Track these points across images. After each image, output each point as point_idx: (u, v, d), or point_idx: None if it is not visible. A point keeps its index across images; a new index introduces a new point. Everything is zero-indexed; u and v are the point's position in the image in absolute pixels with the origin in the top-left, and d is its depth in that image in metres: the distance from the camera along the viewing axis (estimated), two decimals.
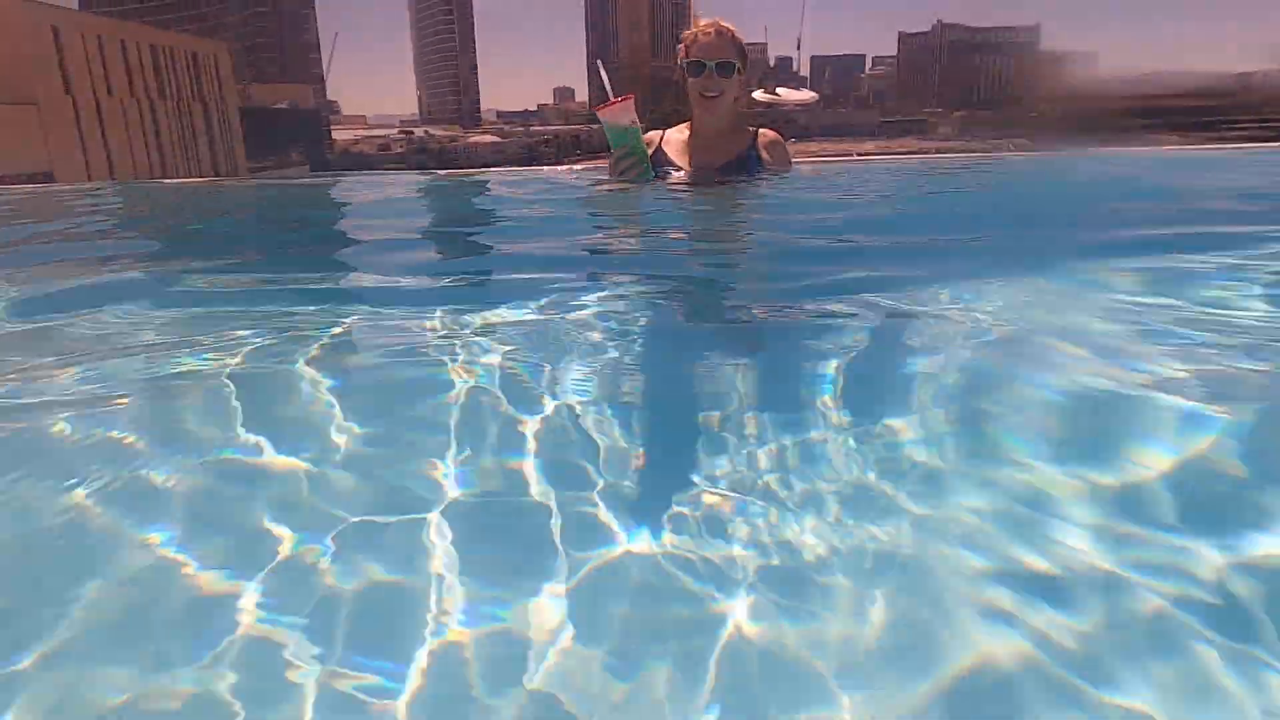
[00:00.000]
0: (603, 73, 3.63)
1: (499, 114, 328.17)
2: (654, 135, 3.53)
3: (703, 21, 3.36)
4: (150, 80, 71.39)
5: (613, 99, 3.36)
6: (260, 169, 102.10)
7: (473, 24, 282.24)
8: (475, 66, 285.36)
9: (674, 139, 3.52)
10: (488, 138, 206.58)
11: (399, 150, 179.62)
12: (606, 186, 3.77)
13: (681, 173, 3.43)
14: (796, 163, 3.84)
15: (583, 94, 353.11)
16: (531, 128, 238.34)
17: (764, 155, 3.47)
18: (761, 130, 3.51)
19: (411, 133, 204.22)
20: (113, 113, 65.67)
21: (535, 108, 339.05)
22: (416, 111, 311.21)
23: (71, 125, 60.62)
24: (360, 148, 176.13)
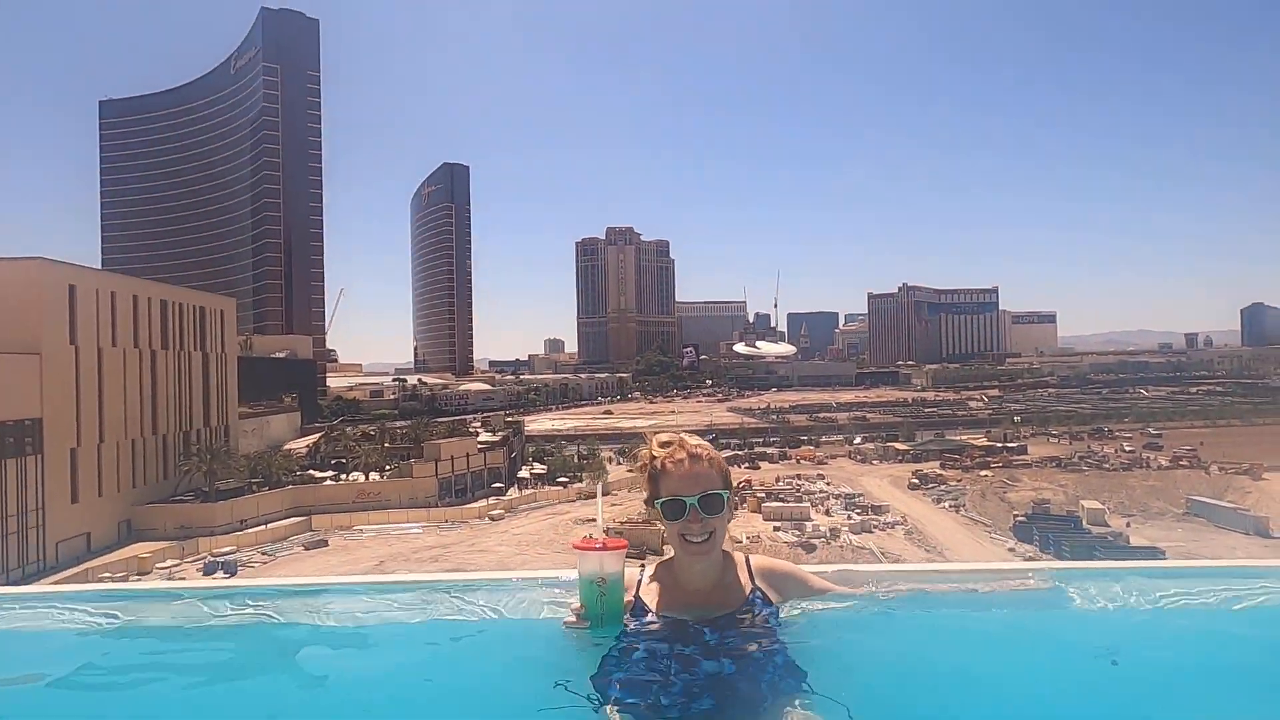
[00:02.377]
0: (598, 496, 2.98)
1: (491, 363, 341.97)
2: (632, 577, 2.76)
3: (661, 439, 2.74)
4: (155, 332, 74.28)
5: (594, 540, 2.67)
6: (253, 414, 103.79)
7: (470, 279, 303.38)
8: (471, 319, 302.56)
9: (656, 586, 2.74)
10: (478, 385, 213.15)
11: (392, 397, 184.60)
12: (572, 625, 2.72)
13: (663, 625, 2.62)
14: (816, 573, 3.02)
15: (572, 346, 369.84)
16: (521, 376, 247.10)
17: (770, 593, 2.74)
18: (752, 559, 2.82)
19: (405, 380, 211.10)
20: (113, 361, 67.44)
21: (526, 358, 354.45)
22: (411, 360, 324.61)
23: (70, 373, 61.89)
24: (354, 394, 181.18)
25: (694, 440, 2.73)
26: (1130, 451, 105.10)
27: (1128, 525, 66.24)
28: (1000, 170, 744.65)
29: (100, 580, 52.77)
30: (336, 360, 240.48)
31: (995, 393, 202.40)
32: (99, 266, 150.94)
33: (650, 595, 2.70)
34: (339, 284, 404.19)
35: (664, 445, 2.72)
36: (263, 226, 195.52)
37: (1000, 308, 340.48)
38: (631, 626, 2.61)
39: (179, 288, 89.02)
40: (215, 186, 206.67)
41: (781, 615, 2.69)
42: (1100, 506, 69.74)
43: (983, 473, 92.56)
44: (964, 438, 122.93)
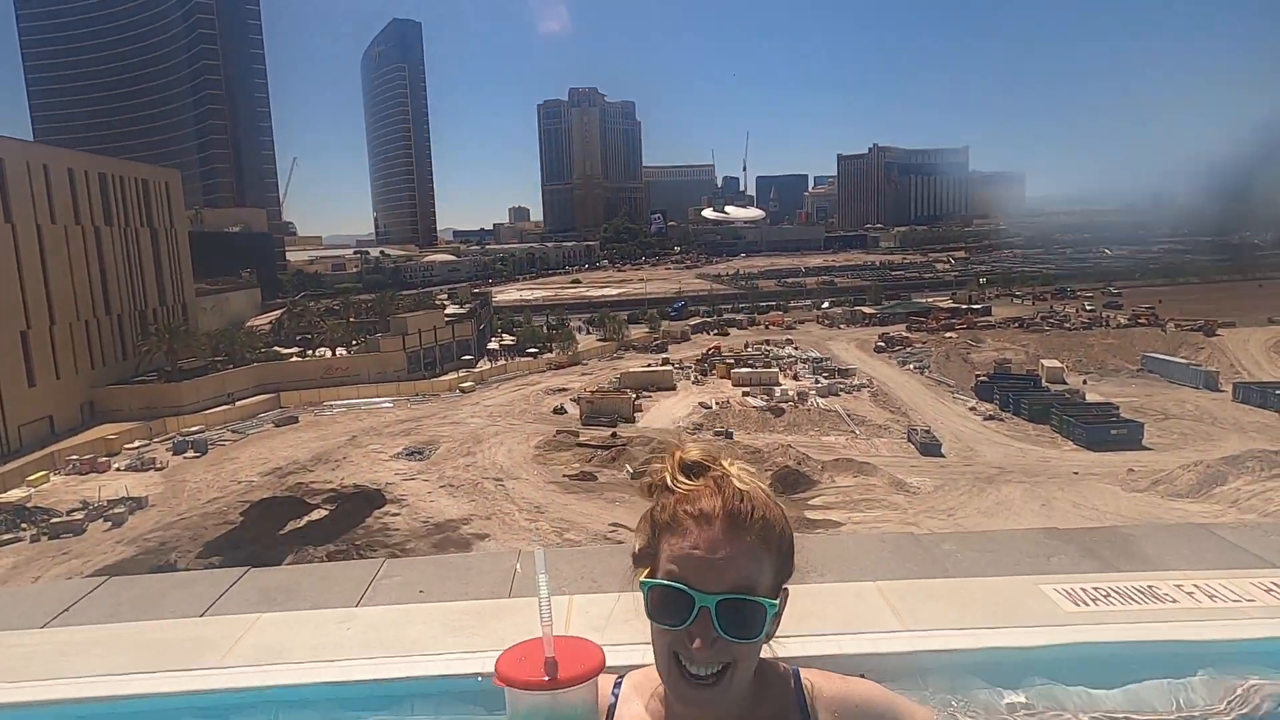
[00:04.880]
0: (540, 579, 1.56)
1: (455, 233, 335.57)
2: (601, 699, 1.60)
3: (689, 457, 1.53)
4: (96, 207, 70.71)
5: (538, 655, 1.50)
6: (210, 291, 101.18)
7: (429, 147, 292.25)
8: (432, 187, 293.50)
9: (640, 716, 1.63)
10: (443, 256, 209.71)
11: (355, 270, 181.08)
12: None
13: None
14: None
15: (537, 213, 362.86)
16: (487, 246, 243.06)
17: None
18: (811, 680, 1.61)
19: (367, 252, 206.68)
20: (54, 238, 64.41)
21: (491, 226, 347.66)
22: (373, 231, 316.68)
23: (9, 253, 59.10)
24: (315, 268, 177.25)
25: (742, 479, 1.49)
26: (1091, 311, 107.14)
27: (1084, 382, 68.29)
28: (973, 23, 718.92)
29: (68, 462, 52.54)
30: (295, 233, 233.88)
31: (962, 255, 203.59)
32: (30, 138, 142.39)
33: None
34: (291, 153, 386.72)
35: (687, 473, 1.51)
36: (204, 92, 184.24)
37: (970, 169, 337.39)
38: None
39: (119, 159, 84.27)
40: (147, 49, 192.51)
41: None
42: (1059, 365, 71.60)
43: (947, 335, 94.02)
44: (930, 300, 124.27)
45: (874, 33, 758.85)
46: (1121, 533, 3.16)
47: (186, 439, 57.99)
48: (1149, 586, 2.35)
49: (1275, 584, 2.32)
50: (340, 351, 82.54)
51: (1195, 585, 2.34)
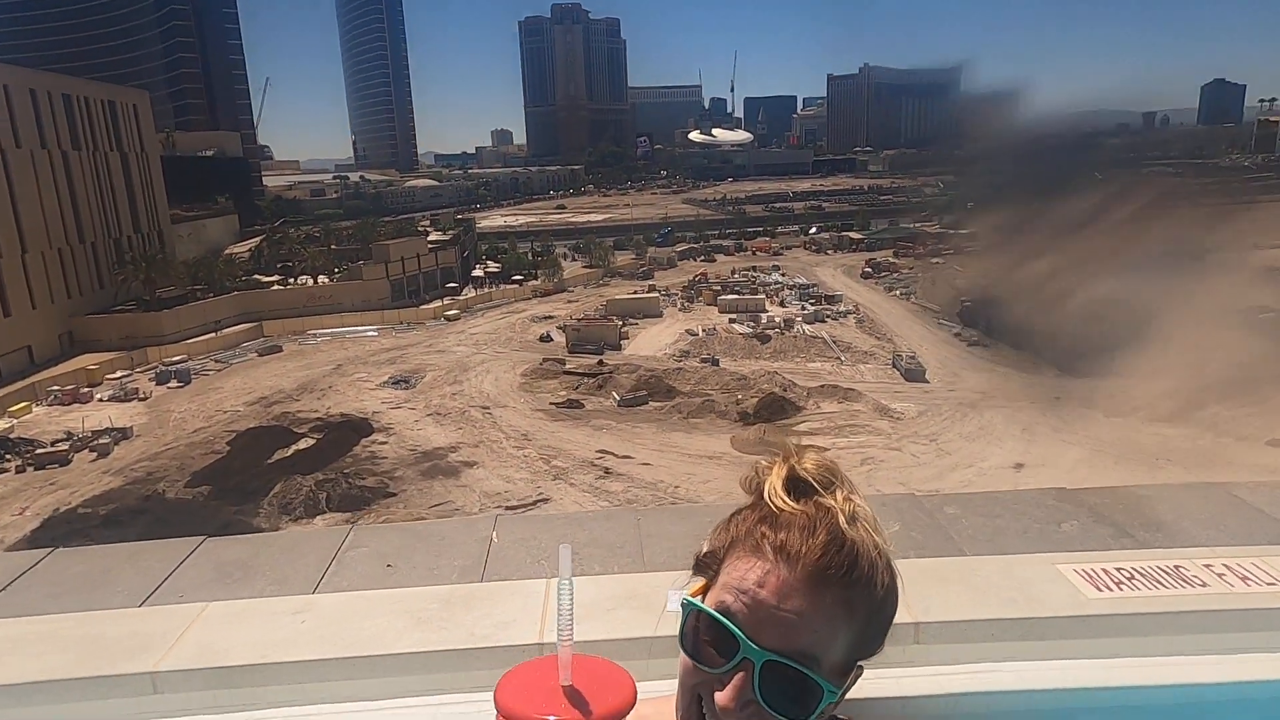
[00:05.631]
0: (562, 561, 1.21)
1: (437, 156, 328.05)
2: None
3: (795, 473, 1.21)
4: (63, 130, 68.23)
5: (546, 691, 1.17)
6: (186, 218, 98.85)
7: (408, 68, 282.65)
8: (411, 110, 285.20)
9: None
10: (424, 181, 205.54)
11: (335, 195, 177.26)
12: None
13: None
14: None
15: (520, 137, 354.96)
16: (470, 171, 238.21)
17: None
18: None
19: (346, 177, 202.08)
20: (20, 163, 62.32)
21: (474, 150, 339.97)
22: (351, 155, 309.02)
23: None
24: (293, 194, 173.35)
25: (852, 523, 1.16)
26: None
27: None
28: None
29: (49, 393, 52.06)
30: (271, 158, 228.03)
31: (951, 178, 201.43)
32: None
33: None
34: (264, 74, 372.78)
35: (792, 490, 1.20)
36: (168, 6, 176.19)
37: (962, 89, 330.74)
38: None
39: (83, 80, 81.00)
40: None
41: None
42: None
43: (934, 260, 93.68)
44: (918, 226, 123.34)
45: None
46: (1135, 494, 2.99)
47: (169, 369, 57.51)
48: (1175, 567, 2.17)
49: None
50: (322, 279, 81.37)
51: (1225, 566, 2.17)
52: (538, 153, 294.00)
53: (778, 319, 66.36)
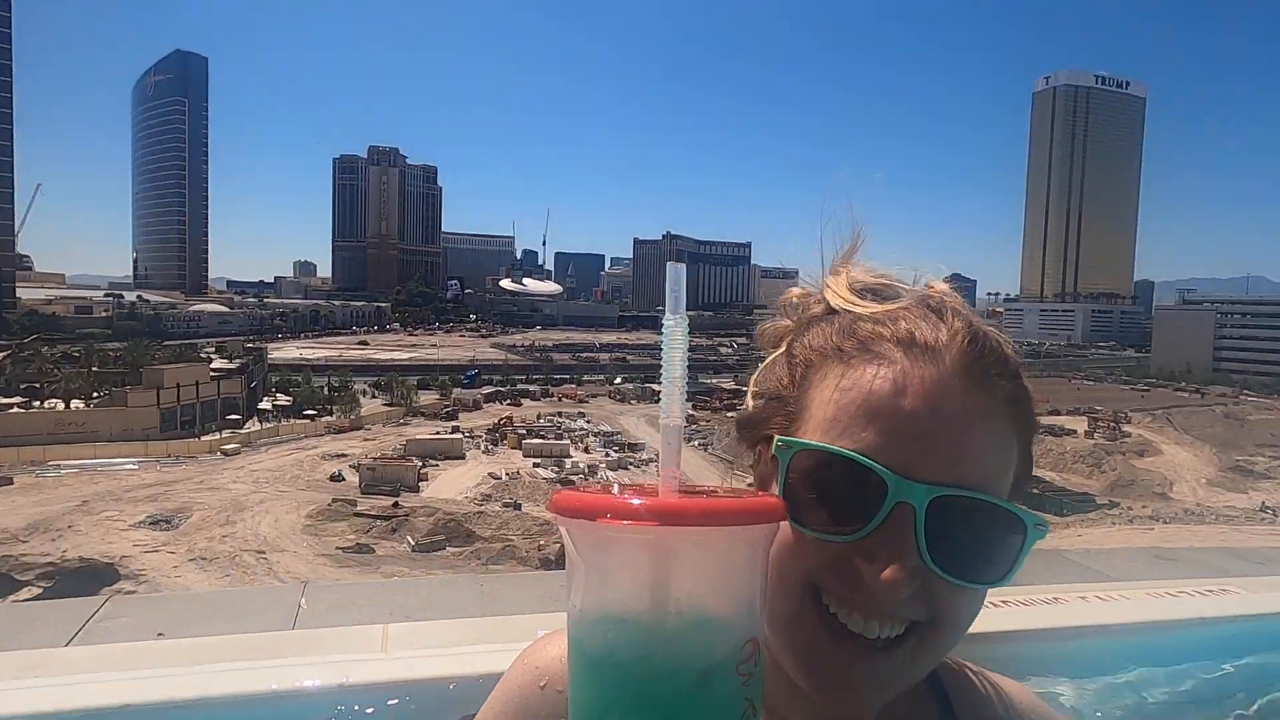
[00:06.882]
0: (674, 276, 0.81)
1: (229, 283, 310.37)
2: None
3: (859, 276, 0.95)
4: None
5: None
6: None
7: (207, 185, 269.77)
8: (206, 231, 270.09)
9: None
10: (213, 306, 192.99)
11: (105, 314, 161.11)
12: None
13: None
14: None
15: (325, 270, 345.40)
16: (265, 299, 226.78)
17: None
18: (952, 671, 1.03)
19: (121, 296, 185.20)
20: None
21: (272, 279, 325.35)
22: (130, 273, 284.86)
23: None
24: (53, 309, 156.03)
25: (953, 298, 0.88)
26: None
27: None
28: (758, 127, 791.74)
29: None
30: (31, 268, 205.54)
31: (743, 340, 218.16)
32: None
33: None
34: (35, 179, 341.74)
35: (871, 285, 0.92)
36: None
37: (752, 262, 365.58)
38: None
39: None
40: None
41: None
42: None
43: (728, 414, 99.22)
44: (714, 381, 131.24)
45: (668, 132, 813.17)
46: None
47: None
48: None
49: None
50: (77, 404, 72.26)
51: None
52: (343, 286, 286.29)
53: (582, 464, 66.74)
